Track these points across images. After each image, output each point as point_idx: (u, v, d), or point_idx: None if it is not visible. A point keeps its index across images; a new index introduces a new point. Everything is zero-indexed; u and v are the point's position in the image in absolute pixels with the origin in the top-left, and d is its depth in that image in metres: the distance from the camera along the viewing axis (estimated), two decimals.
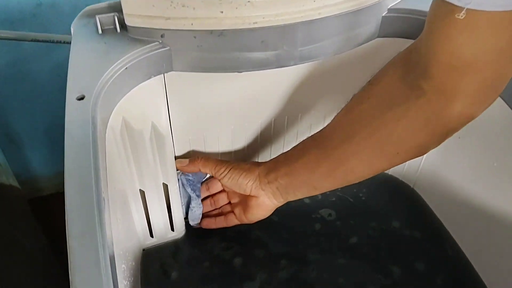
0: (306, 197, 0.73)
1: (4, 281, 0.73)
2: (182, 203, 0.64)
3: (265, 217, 0.60)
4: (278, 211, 0.60)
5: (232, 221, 0.63)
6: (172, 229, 0.67)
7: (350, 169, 0.50)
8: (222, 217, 0.64)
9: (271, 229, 0.69)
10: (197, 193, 0.63)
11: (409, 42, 0.60)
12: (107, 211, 0.41)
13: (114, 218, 0.47)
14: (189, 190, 0.62)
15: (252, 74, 0.57)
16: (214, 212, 0.66)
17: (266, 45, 0.51)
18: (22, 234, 0.83)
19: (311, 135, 0.54)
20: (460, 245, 0.66)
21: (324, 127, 0.53)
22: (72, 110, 0.44)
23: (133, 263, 0.60)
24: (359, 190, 0.75)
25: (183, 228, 0.68)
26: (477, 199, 0.62)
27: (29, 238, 0.84)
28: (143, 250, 0.66)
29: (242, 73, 0.55)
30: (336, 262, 0.64)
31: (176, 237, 0.68)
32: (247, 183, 0.57)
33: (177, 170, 0.61)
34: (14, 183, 0.89)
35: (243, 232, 0.69)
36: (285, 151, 0.58)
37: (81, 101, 0.45)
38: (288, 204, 0.59)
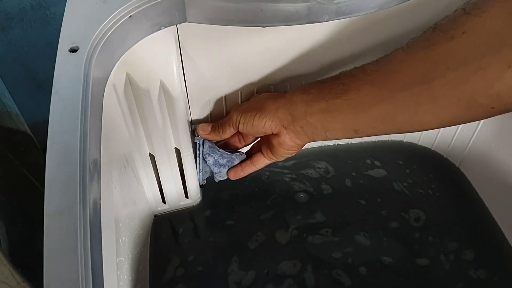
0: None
1: (22, 221, 0.72)
2: (198, 167, 0.58)
3: (292, 155, 0.52)
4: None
5: (260, 162, 0.55)
6: (186, 196, 0.62)
7: (416, 117, 0.39)
8: (248, 162, 0.56)
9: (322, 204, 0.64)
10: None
11: None
12: (95, 183, 0.35)
13: (110, 187, 0.41)
14: (217, 149, 0.56)
15: (279, 30, 0.49)
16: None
17: None
18: (38, 181, 0.81)
19: (361, 66, 0.43)
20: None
21: (381, 59, 0.41)
22: (63, 64, 0.38)
23: (141, 232, 0.56)
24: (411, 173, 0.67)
25: (198, 195, 0.63)
26: None
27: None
28: (155, 216, 0.62)
29: (267, 28, 0.47)
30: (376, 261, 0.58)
31: (191, 205, 0.63)
32: (264, 125, 0.48)
33: (196, 135, 0.55)
34: (28, 131, 0.87)
35: (268, 201, 0.63)
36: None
37: (74, 53, 0.39)
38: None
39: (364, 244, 0.58)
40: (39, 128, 1.13)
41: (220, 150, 0.56)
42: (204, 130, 0.54)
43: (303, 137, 0.47)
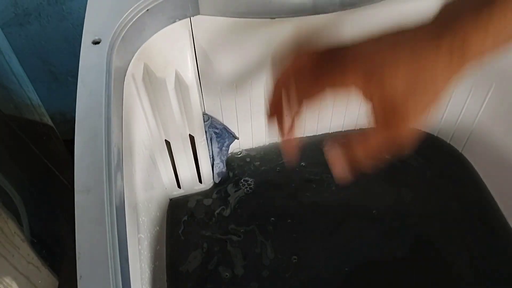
0: None
1: (45, 209, 0.76)
2: (210, 156, 0.62)
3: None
4: None
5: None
6: (200, 181, 0.65)
7: None
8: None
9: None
10: (223, 148, 0.61)
11: None
12: (119, 163, 0.39)
13: (131, 170, 0.45)
14: (214, 144, 0.60)
15: (287, 21, 0.51)
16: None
17: None
18: (59, 170, 0.85)
19: None
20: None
21: None
22: (87, 55, 0.42)
23: (158, 214, 0.59)
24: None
25: (211, 180, 0.66)
26: None
27: (66, 174, 0.87)
28: (170, 200, 0.65)
29: (275, 20, 0.50)
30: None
31: (204, 189, 0.66)
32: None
33: (204, 122, 0.59)
34: (48, 122, 0.91)
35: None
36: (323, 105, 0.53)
37: (97, 45, 0.42)
38: None
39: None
40: (56, 119, 1.16)
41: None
42: None
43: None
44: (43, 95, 1.08)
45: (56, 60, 1.13)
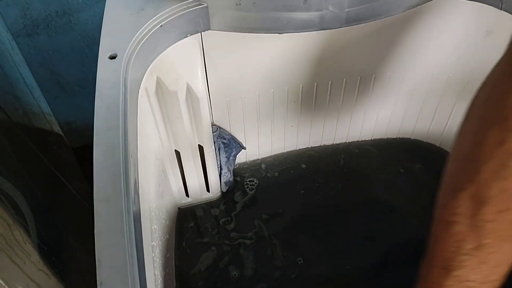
0: None
1: (52, 219, 0.77)
2: (218, 165, 0.64)
3: None
4: None
5: None
6: (208, 190, 0.66)
7: None
8: None
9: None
10: (230, 157, 0.62)
11: (473, 4, 0.55)
12: (135, 174, 0.40)
13: (144, 179, 0.46)
14: (222, 154, 0.61)
15: (294, 36, 0.53)
16: None
17: (309, 5, 0.47)
18: (67, 179, 0.86)
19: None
20: None
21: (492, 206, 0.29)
22: (104, 70, 0.43)
23: (168, 222, 0.61)
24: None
25: (219, 189, 0.67)
26: None
27: (74, 183, 0.88)
28: (179, 208, 0.67)
29: (283, 34, 0.51)
30: None
31: (212, 198, 0.68)
32: None
33: (213, 132, 0.60)
34: (58, 131, 0.92)
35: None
36: (327, 117, 0.55)
37: (113, 60, 0.44)
38: None
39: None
40: (62, 128, 1.18)
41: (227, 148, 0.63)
42: None
43: None
44: (50, 104, 1.10)
45: (63, 70, 1.14)
